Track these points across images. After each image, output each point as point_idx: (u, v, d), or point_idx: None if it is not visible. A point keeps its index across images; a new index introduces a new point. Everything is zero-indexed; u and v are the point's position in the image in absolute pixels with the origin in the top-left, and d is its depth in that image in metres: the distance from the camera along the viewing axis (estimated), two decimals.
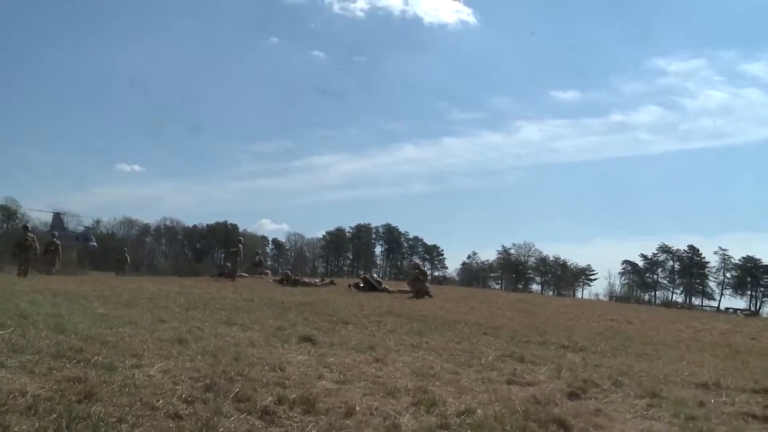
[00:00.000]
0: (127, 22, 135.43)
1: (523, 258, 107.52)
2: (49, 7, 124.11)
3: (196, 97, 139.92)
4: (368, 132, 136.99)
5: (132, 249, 73.51)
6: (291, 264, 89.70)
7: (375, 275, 38.42)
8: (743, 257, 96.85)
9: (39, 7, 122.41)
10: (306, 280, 23.53)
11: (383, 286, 22.05)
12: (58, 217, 66.70)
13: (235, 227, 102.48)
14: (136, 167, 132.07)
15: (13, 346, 6.08)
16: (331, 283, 23.90)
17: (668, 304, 77.64)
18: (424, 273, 21.42)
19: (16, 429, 3.81)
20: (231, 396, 4.93)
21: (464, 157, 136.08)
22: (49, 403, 4.32)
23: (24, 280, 18.15)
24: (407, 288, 20.69)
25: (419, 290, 19.56)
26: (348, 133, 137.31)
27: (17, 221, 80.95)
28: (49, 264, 23.87)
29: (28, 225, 28.22)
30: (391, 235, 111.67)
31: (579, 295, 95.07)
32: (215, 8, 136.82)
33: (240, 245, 26.13)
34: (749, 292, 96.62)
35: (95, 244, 70.77)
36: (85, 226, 73.99)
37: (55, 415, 4.08)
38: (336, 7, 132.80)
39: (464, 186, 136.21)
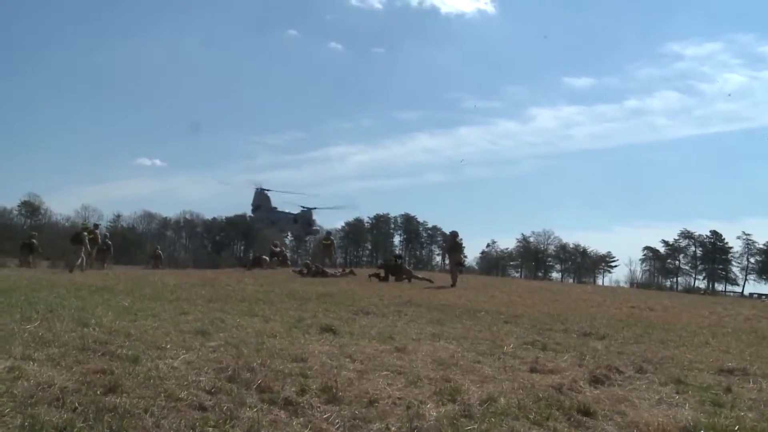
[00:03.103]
0: (146, 16, 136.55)
1: (542, 246, 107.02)
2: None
3: (214, 90, 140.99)
4: (383, 122, 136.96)
5: (153, 243, 73.82)
6: (310, 255, 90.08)
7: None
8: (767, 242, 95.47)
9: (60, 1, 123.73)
10: (328, 271, 23.51)
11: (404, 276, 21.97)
12: (263, 194, 50.62)
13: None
14: (157, 161, 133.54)
15: (40, 340, 6.19)
16: (351, 273, 23.88)
17: (691, 290, 76.80)
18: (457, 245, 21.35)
19: (45, 420, 3.87)
20: (254, 386, 4.96)
21: (479, 146, 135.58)
22: (76, 395, 4.38)
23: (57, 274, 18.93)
24: (420, 276, 20.98)
25: (458, 262, 20.55)
26: (362, 124, 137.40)
27: (40, 217, 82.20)
28: (101, 261, 25.96)
29: (98, 224, 30.21)
30: (409, 224, 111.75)
31: (599, 282, 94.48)
32: (233, 1, 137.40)
33: (332, 237, 26.52)
34: None
35: (318, 227, 54.91)
36: (302, 207, 52.47)
37: (82, 407, 4.14)
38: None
39: (480, 175, 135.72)
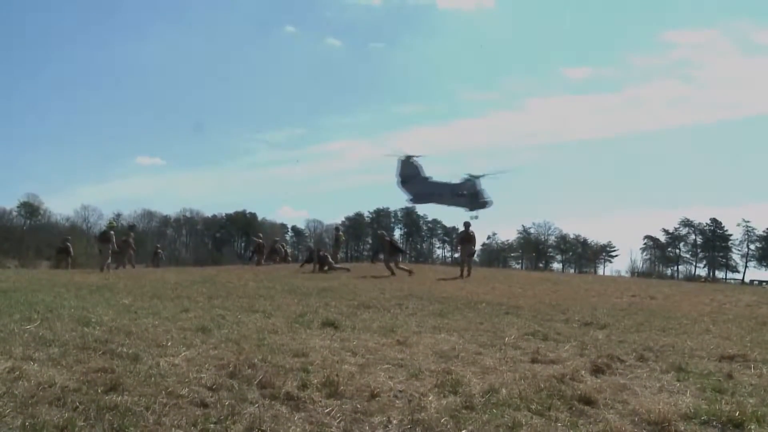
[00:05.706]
0: (145, 14, 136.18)
1: (542, 237, 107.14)
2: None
3: (213, 88, 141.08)
4: (382, 117, 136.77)
5: (153, 241, 73.66)
6: (313, 246, 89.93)
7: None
8: (767, 228, 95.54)
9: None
10: (331, 266, 23.16)
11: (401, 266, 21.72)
12: (411, 163, 40.17)
13: (254, 216, 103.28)
14: (157, 160, 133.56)
15: (40, 339, 6.20)
16: (347, 270, 23.45)
17: (691, 278, 76.87)
18: (470, 236, 20.90)
19: (45, 419, 3.87)
20: (255, 382, 4.96)
21: (478, 138, 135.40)
22: (76, 394, 4.39)
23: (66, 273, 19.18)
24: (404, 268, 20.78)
25: (470, 253, 20.68)
26: (361, 119, 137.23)
27: (39, 217, 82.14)
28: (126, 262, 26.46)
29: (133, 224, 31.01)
30: (410, 218, 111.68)
31: (600, 271, 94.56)
32: None
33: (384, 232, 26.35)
34: None
35: (491, 200, 42.56)
36: (467, 177, 41.97)
37: (82, 406, 4.14)
38: None
39: (479, 167, 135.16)
